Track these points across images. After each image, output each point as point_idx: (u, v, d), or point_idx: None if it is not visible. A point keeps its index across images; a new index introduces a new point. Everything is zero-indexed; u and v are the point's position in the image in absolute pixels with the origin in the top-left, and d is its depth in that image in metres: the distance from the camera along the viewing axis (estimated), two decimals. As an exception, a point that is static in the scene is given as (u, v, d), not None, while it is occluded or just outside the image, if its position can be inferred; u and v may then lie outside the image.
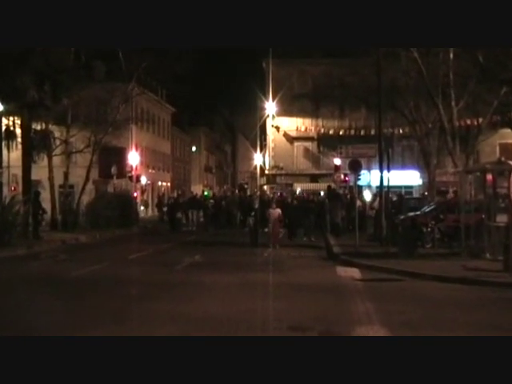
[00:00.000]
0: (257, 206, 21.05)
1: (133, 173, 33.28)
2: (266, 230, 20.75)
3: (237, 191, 45.94)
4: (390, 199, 22.03)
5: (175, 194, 38.87)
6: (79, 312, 9.10)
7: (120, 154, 30.58)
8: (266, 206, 22.20)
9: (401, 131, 37.30)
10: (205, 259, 16.82)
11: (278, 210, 20.02)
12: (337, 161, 33.48)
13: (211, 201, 31.32)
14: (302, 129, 45.00)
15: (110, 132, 29.35)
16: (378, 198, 22.06)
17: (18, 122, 25.38)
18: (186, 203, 30.94)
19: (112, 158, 28.52)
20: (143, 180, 43.27)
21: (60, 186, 30.01)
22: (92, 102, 29.56)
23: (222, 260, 16.70)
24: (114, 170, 27.64)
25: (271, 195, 35.01)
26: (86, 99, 28.63)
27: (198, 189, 60.94)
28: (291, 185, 44.25)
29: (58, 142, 28.24)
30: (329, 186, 30.62)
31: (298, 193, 36.00)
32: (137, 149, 41.20)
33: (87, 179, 29.20)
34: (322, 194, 33.29)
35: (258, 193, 42.79)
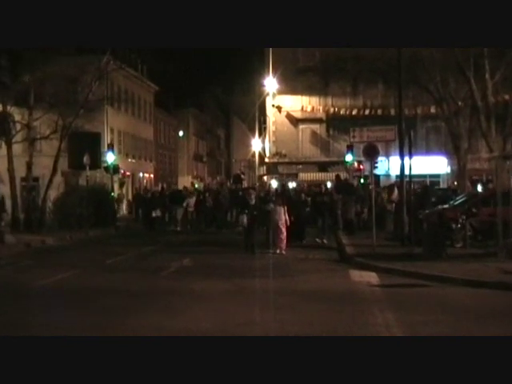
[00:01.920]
0: (254, 201, 20.65)
1: (109, 163, 33.26)
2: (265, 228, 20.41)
3: (229, 183, 45.78)
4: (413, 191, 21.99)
5: (159, 187, 38.86)
6: (44, 329, 9.04)
7: (93, 141, 30.38)
8: (265, 202, 21.97)
9: (425, 110, 37.26)
10: (195, 263, 16.83)
11: (285, 208, 19.58)
12: (349, 146, 33.43)
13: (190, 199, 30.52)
14: (309, 109, 44.95)
15: (81, 114, 29.29)
16: (397, 190, 22.05)
17: (-30, 103, 25.33)
18: (169, 198, 30.79)
19: (84, 146, 28.36)
20: (121, 171, 43.28)
21: (22, 179, 29.95)
22: (59, 79, 29.39)
23: (216, 264, 16.69)
24: (86, 159, 27.53)
25: (272, 189, 34.73)
26: (52, 75, 28.45)
27: (186, 180, 61.03)
28: (296, 175, 44.25)
29: (18, 127, 28.13)
30: (337, 176, 30.52)
31: (291, 187, 35.69)
32: (113, 134, 41.22)
33: (55, 170, 29.15)
34: (328, 185, 32.86)
35: (257, 185, 42.74)
